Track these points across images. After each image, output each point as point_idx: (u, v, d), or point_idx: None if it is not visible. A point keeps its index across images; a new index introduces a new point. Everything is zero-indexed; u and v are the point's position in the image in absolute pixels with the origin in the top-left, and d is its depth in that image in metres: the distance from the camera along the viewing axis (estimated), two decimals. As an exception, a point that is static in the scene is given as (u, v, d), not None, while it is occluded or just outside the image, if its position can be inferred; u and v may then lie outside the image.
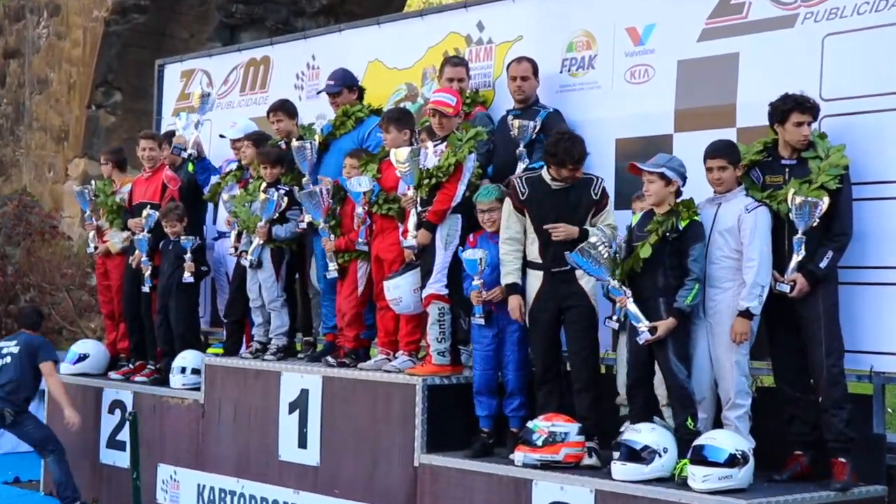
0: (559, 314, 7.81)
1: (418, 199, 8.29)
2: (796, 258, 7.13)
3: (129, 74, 18.22)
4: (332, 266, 9.16)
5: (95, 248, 11.40)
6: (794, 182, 7.19)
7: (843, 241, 7.16)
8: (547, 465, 7.52)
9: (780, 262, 7.25)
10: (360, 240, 8.92)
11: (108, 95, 18.23)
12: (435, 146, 8.38)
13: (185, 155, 10.76)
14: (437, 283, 8.25)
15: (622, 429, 7.62)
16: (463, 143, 8.23)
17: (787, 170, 7.27)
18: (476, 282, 7.99)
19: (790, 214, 7.10)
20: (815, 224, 7.08)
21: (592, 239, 7.38)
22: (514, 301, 7.88)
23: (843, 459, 7.11)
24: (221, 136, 10.83)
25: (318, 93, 9.90)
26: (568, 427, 7.64)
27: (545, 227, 7.76)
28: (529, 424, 7.71)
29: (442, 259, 8.27)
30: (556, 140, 7.75)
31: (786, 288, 7.15)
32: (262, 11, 18.87)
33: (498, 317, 8.06)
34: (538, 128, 8.43)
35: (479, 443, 8.04)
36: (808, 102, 7.21)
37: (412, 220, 8.30)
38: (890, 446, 7.43)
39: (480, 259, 7.94)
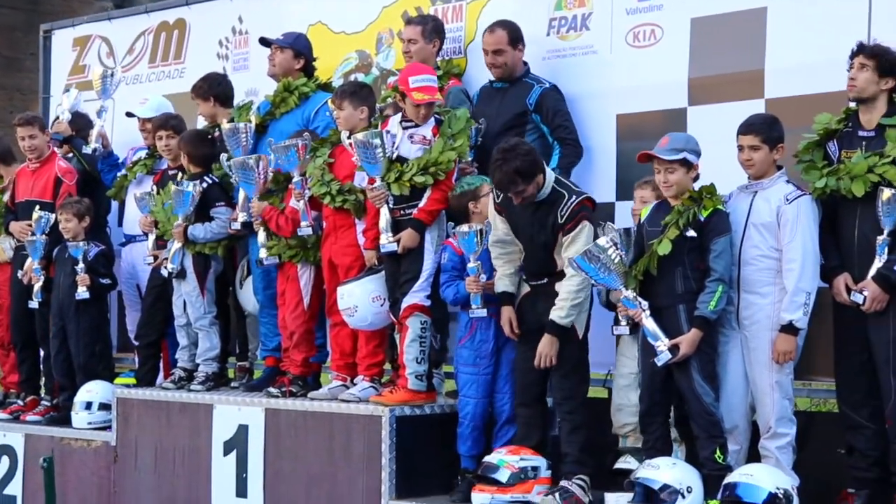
0: (541, 329, 7.84)
1: (390, 194, 8.27)
2: (878, 263, 7.17)
3: (-1, 41, 18.11)
4: (264, 252, 9.12)
5: None
6: (859, 155, 7.21)
7: None
8: None
9: (848, 259, 7.33)
10: (303, 223, 8.85)
11: (-29, 69, 18.12)
12: (405, 127, 8.35)
13: (86, 150, 10.67)
14: (422, 293, 8.27)
15: (619, 464, 7.75)
16: (459, 133, 8.26)
17: (863, 143, 7.31)
18: (473, 263, 8.01)
19: (878, 212, 7.11)
20: None
21: (601, 241, 7.41)
22: (504, 313, 7.94)
23: (909, 499, 7.23)
24: (129, 115, 10.75)
25: (261, 41, 9.82)
26: (538, 461, 7.77)
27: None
28: (492, 459, 7.80)
29: (431, 264, 8.29)
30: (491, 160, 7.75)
31: (859, 299, 7.20)
32: (168, -38, 18.83)
33: (498, 332, 8.11)
34: (533, 109, 8.55)
35: (466, 484, 8.02)
36: (867, 47, 7.27)
37: (384, 219, 8.28)
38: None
39: (479, 232, 7.94)
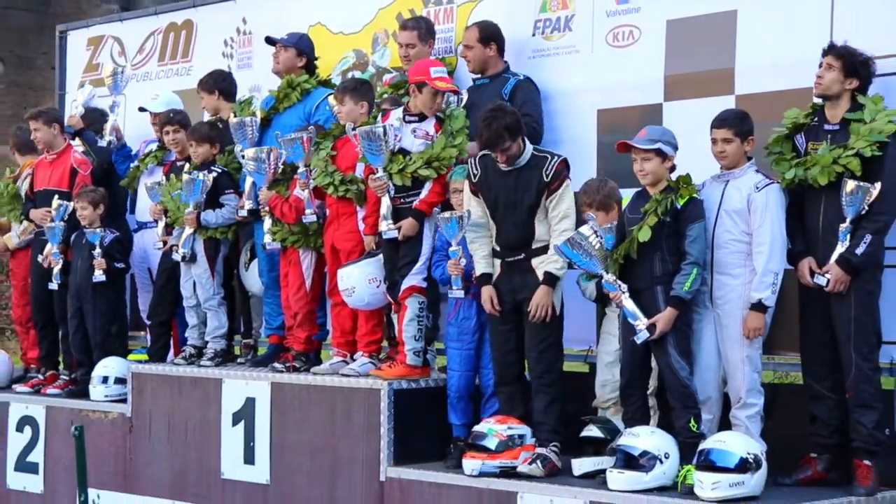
0: (516, 307, 7.91)
1: (392, 184, 8.31)
2: (840, 248, 7.26)
3: (12, 42, 18.05)
4: (269, 238, 9.16)
5: None
6: (825, 147, 7.31)
7: (883, 221, 7.25)
8: (506, 473, 7.71)
9: (813, 244, 7.43)
10: (307, 210, 8.88)
11: (-14, 67, 18.09)
12: (408, 122, 8.41)
13: (101, 143, 10.71)
14: (419, 276, 8.34)
15: (585, 432, 7.81)
16: (459, 131, 8.32)
17: (829, 135, 7.39)
18: (454, 247, 8.05)
19: (841, 202, 7.20)
20: (864, 212, 7.22)
21: (583, 229, 7.48)
22: (485, 292, 7.96)
23: (868, 462, 7.31)
24: (141, 110, 10.76)
25: (267, 39, 9.86)
26: (524, 430, 7.85)
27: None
28: (482, 428, 7.86)
29: (427, 248, 8.36)
30: (480, 120, 7.82)
31: (823, 281, 7.29)
32: (166, -32, 18.79)
33: (480, 311, 8.16)
34: (507, 98, 8.52)
35: (458, 451, 8.07)
36: (837, 48, 7.33)
37: (385, 207, 8.32)
38: (915, 446, 7.68)
39: (461, 218, 7.96)
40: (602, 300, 8.08)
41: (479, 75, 8.93)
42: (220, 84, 10.03)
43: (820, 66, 7.37)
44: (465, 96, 8.73)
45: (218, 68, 10.41)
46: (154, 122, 10.59)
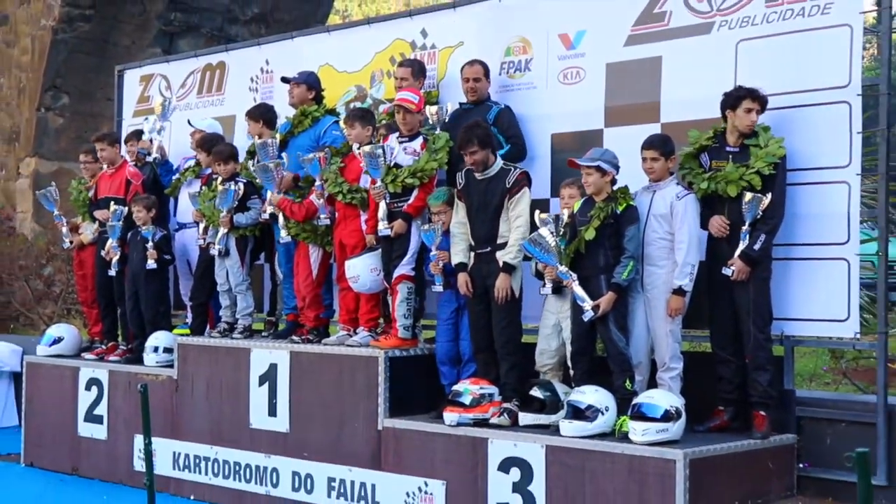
0: (486, 291, 8.03)
1: (387, 192, 8.42)
2: (742, 246, 7.43)
3: (76, 79, 18.09)
4: (283, 233, 9.20)
5: (71, 242, 11.34)
6: (732, 166, 7.47)
7: (773, 223, 7.44)
8: (478, 424, 7.82)
9: (720, 242, 7.58)
10: (321, 215, 8.96)
11: (57, 99, 18.05)
12: (401, 142, 8.52)
13: (149, 159, 10.80)
14: (408, 266, 8.44)
15: (531, 392, 7.87)
16: (440, 149, 8.41)
17: (730, 156, 7.55)
18: (434, 252, 8.19)
19: (742, 209, 7.37)
20: (759, 217, 7.38)
21: (542, 230, 7.61)
22: (461, 278, 8.11)
23: (763, 413, 7.49)
24: (189, 123, 10.81)
25: (282, 79, 9.91)
26: (492, 389, 7.97)
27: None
28: (459, 387, 7.97)
29: (415, 244, 8.46)
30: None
31: (729, 272, 7.46)
32: (198, 19, 18.88)
33: (459, 297, 8.28)
34: (492, 123, 8.61)
35: (441, 406, 8.15)
36: (758, 93, 7.47)
37: (382, 210, 8.43)
38: (798, 400, 7.84)
39: (436, 230, 8.15)
40: (540, 276, 8.13)
41: (464, 100, 8.94)
42: (265, 115, 9.95)
43: (739, 107, 7.47)
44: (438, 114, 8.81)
45: (264, 102, 10.39)
46: (192, 134, 10.65)
